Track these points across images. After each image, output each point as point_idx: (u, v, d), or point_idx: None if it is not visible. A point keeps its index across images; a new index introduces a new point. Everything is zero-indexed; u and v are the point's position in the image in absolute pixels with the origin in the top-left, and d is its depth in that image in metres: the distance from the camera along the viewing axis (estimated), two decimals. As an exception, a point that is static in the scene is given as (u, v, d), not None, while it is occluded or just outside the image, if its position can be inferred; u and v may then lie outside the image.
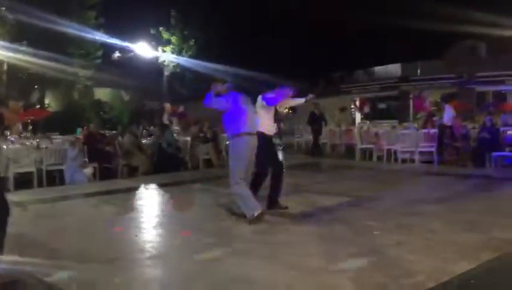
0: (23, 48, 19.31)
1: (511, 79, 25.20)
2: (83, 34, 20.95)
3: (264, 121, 6.48)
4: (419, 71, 28.72)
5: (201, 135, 12.95)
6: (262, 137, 6.36)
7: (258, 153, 6.29)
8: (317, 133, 15.06)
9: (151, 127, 16.12)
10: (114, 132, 14.62)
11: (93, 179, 10.33)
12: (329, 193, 7.98)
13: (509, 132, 11.79)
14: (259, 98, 6.54)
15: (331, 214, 6.42)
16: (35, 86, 22.61)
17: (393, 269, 4.08)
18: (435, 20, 23.48)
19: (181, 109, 17.32)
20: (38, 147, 10.44)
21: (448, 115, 12.49)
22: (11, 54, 19.20)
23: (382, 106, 32.99)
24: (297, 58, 32.43)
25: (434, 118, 13.76)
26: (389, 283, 3.75)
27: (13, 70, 20.45)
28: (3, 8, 19.16)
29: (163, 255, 4.81)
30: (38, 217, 6.90)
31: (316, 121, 15.06)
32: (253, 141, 6.09)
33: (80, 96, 23.96)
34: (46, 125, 19.46)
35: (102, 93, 26.56)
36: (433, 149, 11.91)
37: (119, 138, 11.83)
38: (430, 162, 11.92)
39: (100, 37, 22.10)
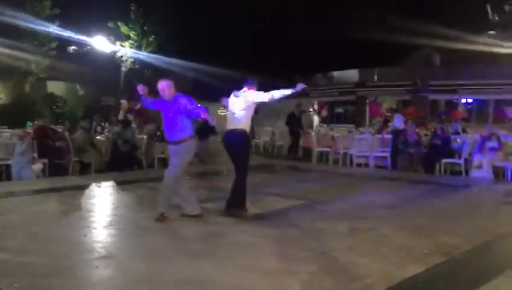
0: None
1: (462, 89, 26.16)
2: (36, 24, 20.20)
3: (248, 119, 6.36)
4: (376, 77, 29.38)
5: (158, 133, 12.73)
6: (246, 135, 6.35)
7: (241, 153, 6.32)
8: (297, 135, 14.67)
9: (106, 123, 15.71)
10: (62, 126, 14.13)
11: (43, 175, 9.95)
12: (284, 196, 8.01)
13: (458, 140, 12.21)
14: (251, 94, 6.30)
15: (285, 216, 6.44)
16: (-16, 77, 21.65)
17: (344, 273, 4.12)
18: (393, 31, 24.25)
19: (138, 106, 16.97)
20: (-16, 141, 9.98)
21: (399, 120, 12.88)
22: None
23: (339, 110, 33.60)
24: (259, 57, 32.47)
25: (389, 124, 14.12)
26: (339, 286, 3.78)
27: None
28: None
29: (112, 256, 4.66)
30: (-19, 213, 6.58)
31: (296, 123, 14.67)
32: None
33: (32, 89, 23.09)
34: (-6, 117, 18.67)
35: (56, 87, 25.68)
36: (387, 154, 12.18)
37: (66, 133, 11.41)
38: (384, 166, 12.20)
39: (55, 28, 21.37)
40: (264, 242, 5.14)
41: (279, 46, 33.01)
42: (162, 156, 12.13)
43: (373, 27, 25.14)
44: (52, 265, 4.27)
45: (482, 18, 22.15)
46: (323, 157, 13.83)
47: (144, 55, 25.28)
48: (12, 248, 4.81)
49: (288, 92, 6.03)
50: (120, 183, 9.04)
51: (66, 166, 10.52)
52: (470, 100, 28.59)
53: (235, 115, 6.33)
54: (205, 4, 29.04)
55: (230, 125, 6.40)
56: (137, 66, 25.89)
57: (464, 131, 15.24)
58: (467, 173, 10.88)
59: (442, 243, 5.07)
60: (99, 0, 23.38)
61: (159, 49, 25.35)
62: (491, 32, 26.57)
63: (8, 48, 19.19)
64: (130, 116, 15.57)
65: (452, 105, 28.34)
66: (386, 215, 6.57)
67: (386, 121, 14.82)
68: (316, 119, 25.55)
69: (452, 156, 11.33)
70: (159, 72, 24.20)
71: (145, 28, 25.51)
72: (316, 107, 29.60)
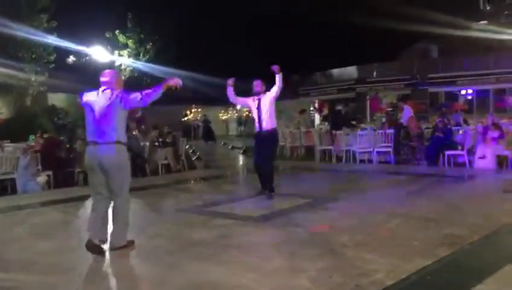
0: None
1: (462, 80, 26.12)
2: (34, 37, 20.27)
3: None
4: (375, 73, 29.36)
5: (160, 139, 12.77)
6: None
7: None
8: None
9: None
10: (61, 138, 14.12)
11: (48, 187, 9.99)
12: (288, 195, 8.01)
13: (460, 131, 12.20)
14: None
15: (291, 216, 6.44)
16: (-16, 92, 21.73)
17: (353, 268, 4.12)
18: (391, 20, 24.28)
19: (139, 114, 16.98)
20: (-12, 156, 10.02)
21: (407, 115, 12.80)
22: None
23: (340, 107, 33.54)
24: (256, 61, 32.60)
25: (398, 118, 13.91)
26: (348, 282, 3.78)
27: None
28: None
29: (121, 263, 4.68)
30: (-12, 228, 6.61)
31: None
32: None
33: (33, 102, 23.17)
34: (-4, 132, 18.72)
35: (57, 99, 25.77)
36: (389, 149, 12.18)
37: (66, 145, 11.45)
38: (387, 162, 12.20)
39: (53, 40, 21.45)
40: (271, 242, 5.15)
41: (278, 46, 33.11)
42: (166, 162, 12.17)
43: (370, 17, 25.13)
44: (61, 277, 4.28)
45: (473, 8, 22.31)
46: (326, 155, 13.83)
47: (142, 64, 25.36)
48: (19, 260, 4.83)
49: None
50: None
51: (71, 177, 10.57)
52: (470, 91, 28.55)
53: None
54: (200, 11, 29.15)
55: None
56: (136, 75, 26.00)
57: (466, 122, 15.22)
58: (470, 164, 10.87)
59: (449, 235, 5.07)
60: (95, 10, 23.51)
61: (157, 57, 25.45)
62: (483, 22, 26.59)
63: (7, 62, 19.23)
64: (132, 125, 15.57)
65: (452, 97, 28.27)
66: (392, 209, 6.56)
67: (392, 116, 14.58)
68: (317, 117, 25.53)
69: (455, 148, 11.32)
70: (158, 80, 24.26)
71: (142, 35, 25.61)
72: (316, 105, 29.57)
